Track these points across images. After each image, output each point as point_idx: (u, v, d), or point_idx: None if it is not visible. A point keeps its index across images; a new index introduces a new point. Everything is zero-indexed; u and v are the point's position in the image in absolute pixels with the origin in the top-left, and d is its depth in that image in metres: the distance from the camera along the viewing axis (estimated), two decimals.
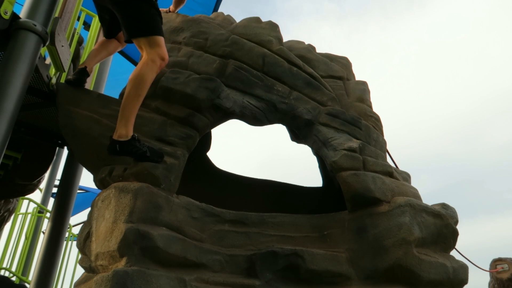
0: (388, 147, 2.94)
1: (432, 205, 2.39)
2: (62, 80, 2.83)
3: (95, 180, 2.26)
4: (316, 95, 2.67)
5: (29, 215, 5.02)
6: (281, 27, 2.85)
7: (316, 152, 2.73)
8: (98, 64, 3.45)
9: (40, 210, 5.21)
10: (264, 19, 2.89)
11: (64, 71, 2.47)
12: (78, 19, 2.90)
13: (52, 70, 2.41)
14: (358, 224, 2.25)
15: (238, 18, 2.94)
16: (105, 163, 2.15)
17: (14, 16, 1.93)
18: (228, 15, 2.91)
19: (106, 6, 2.28)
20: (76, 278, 5.03)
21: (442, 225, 2.28)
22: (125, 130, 1.97)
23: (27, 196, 4.58)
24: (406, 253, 2.05)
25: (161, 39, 2.15)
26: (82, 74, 2.35)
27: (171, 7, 2.91)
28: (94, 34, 3.14)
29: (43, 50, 2.22)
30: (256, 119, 2.50)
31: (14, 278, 4.70)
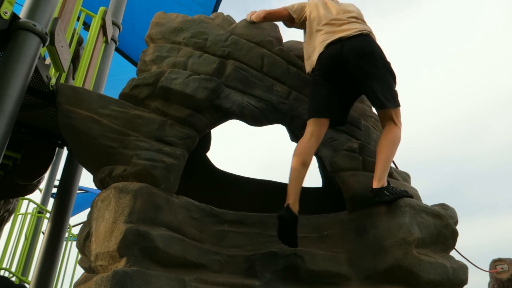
0: None
1: (431, 206, 2.39)
2: (62, 80, 2.83)
3: (94, 181, 2.26)
4: None
5: (29, 216, 5.03)
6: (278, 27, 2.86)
7: (316, 153, 2.73)
8: (98, 64, 3.46)
9: (40, 210, 5.22)
10: None
11: (64, 72, 2.47)
12: (78, 19, 2.90)
13: (52, 71, 2.41)
14: (357, 225, 2.25)
15: (235, 18, 2.93)
16: (105, 163, 2.15)
17: (14, 16, 1.93)
18: (228, 16, 2.91)
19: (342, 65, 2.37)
20: (76, 278, 5.04)
21: (441, 226, 2.28)
22: (384, 179, 2.20)
23: (26, 197, 4.58)
24: (405, 253, 2.05)
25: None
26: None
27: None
28: (94, 34, 3.13)
29: (43, 51, 2.22)
30: (255, 119, 2.50)
31: (13, 278, 4.71)
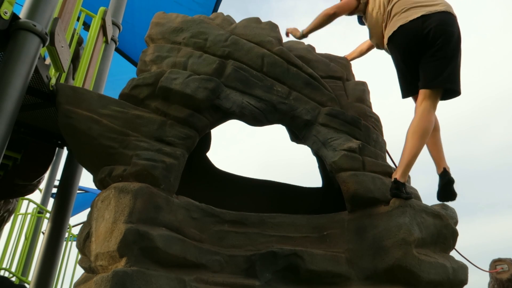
0: (388, 148, 2.94)
1: (431, 206, 2.39)
2: (62, 81, 2.83)
3: (94, 181, 2.26)
4: (315, 95, 2.67)
5: (29, 216, 5.03)
6: None
7: (316, 153, 2.73)
8: (98, 64, 3.46)
9: (40, 210, 5.22)
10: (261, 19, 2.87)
11: (64, 72, 2.47)
12: (78, 19, 2.90)
13: (52, 71, 2.41)
14: (357, 225, 2.25)
15: (235, 18, 2.94)
16: (105, 163, 2.15)
17: (14, 16, 1.94)
18: (228, 16, 2.91)
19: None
20: (76, 278, 5.04)
21: (441, 226, 2.28)
22: (407, 174, 2.29)
23: (26, 197, 4.59)
24: (405, 253, 2.05)
25: None
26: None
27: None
28: (94, 34, 3.13)
29: (43, 51, 2.22)
30: (255, 119, 2.50)
31: (13, 279, 4.71)
